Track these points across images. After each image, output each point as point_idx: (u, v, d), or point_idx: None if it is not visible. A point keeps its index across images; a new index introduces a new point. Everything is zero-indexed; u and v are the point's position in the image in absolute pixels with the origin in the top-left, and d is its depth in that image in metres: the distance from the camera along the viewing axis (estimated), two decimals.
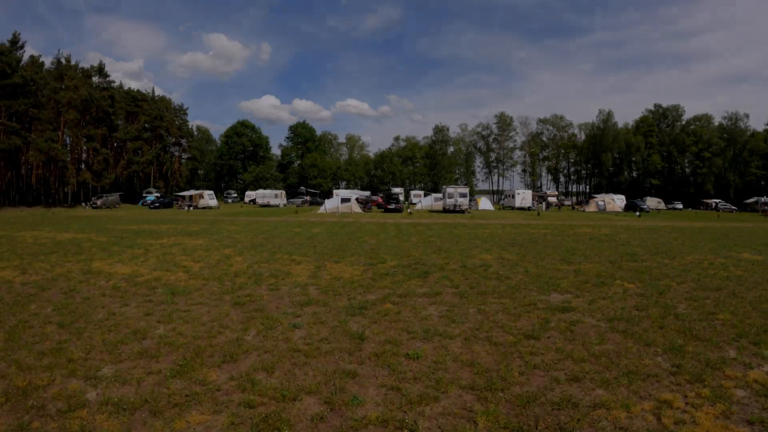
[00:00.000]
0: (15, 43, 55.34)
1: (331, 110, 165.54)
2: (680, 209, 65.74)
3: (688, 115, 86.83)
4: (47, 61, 62.76)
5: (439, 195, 49.46)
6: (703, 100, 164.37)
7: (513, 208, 53.40)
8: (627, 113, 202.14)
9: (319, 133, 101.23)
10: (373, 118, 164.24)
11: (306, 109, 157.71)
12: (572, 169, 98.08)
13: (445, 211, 41.84)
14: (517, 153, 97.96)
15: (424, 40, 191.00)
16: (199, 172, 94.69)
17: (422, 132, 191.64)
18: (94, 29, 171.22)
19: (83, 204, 57.32)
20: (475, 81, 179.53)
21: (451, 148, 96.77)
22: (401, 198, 55.47)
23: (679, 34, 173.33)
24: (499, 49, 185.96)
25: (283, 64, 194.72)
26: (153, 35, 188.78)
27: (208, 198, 52.16)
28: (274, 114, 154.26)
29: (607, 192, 71.81)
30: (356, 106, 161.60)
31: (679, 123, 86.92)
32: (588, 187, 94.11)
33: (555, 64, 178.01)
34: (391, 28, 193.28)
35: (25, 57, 57.14)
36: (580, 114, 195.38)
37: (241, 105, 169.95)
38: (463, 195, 42.22)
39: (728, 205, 65.59)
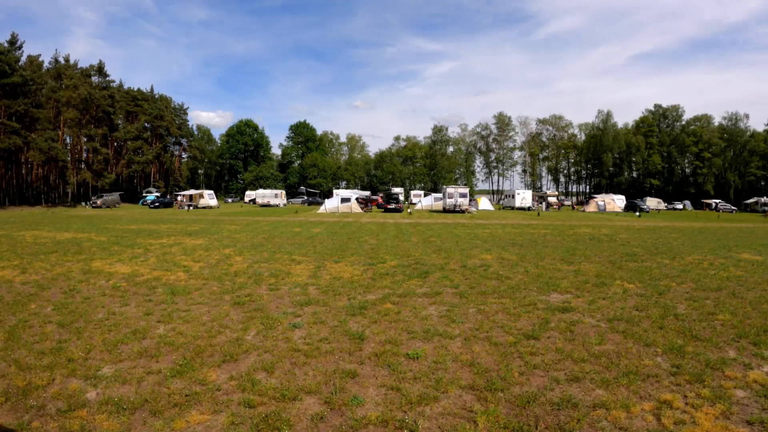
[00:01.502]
0: (13, 43, 55.39)
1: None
2: (680, 209, 65.74)
3: (689, 117, 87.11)
4: (46, 60, 62.89)
5: (439, 195, 49.49)
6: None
7: (513, 208, 53.40)
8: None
9: (319, 132, 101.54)
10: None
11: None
12: (572, 169, 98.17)
13: (445, 211, 41.85)
14: (517, 153, 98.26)
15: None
16: (200, 171, 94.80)
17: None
18: None
19: (83, 203, 57.30)
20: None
21: (451, 148, 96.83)
22: (401, 198, 55.52)
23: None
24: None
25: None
26: None
27: (208, 197, 52.25)
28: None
29: (607, 192, 71.95)
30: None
31: (679, 123, 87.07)
32: (588, 187, 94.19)
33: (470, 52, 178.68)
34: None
35: (23, 57, 57.25)
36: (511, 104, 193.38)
37: None
38: (463, 195, 42.25)
39: (728, 206, 65.54)
